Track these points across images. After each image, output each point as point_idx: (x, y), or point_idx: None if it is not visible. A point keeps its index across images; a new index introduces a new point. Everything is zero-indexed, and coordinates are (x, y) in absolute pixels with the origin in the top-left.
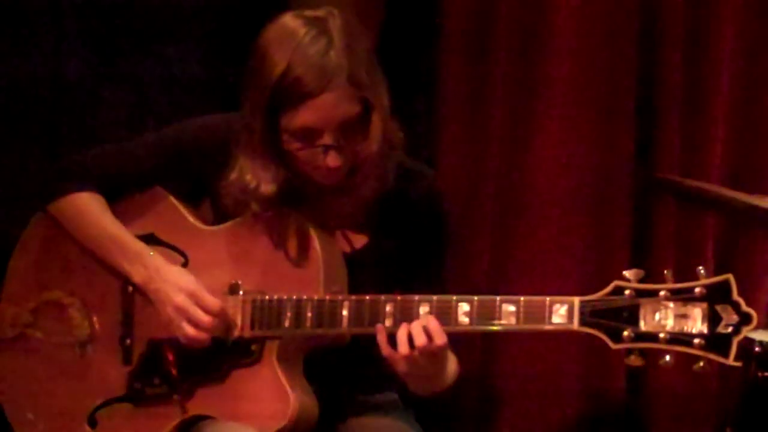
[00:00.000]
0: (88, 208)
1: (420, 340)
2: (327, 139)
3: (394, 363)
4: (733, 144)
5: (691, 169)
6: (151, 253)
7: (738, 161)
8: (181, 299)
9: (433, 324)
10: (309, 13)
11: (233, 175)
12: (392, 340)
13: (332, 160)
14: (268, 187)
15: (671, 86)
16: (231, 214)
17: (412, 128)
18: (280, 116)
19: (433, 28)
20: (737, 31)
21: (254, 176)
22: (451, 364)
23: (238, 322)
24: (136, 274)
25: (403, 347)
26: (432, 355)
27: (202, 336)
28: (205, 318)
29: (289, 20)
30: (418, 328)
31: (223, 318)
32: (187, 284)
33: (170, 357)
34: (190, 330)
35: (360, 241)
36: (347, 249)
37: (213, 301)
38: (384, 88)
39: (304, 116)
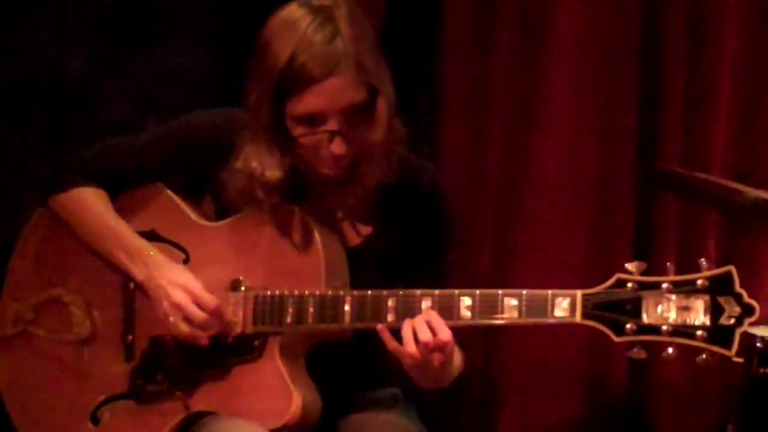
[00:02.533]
0: (90, 203)
1: (424, 334)
2: (332, 125)
3: (400, 358)
4: (735, 139)
5: (693, 165)
6: (152, 251)
7: (740, 156)
8: (178, 296)
9: (436, 319)
10: (315, 2)
11: (238, 164)
12: (395, 334)
13: (337, 146)
14: (273, 173)
15: (673, 82)
16: (234, 207)
17: (414, 125)
18: (285, 103)
19: (434, 25)
20: (739, 24)
21: (260, 163)
22: (457, 357)
23: (240, 318)
24: (137, 271)
25: (410, 346)
26: (437, 350)
27: (198, 333)
28: (200, 315)
29: (294, 9)
30: (421, 323)
31: (219, 316)
32: (186, 282)
33: (172, 353)
34: (185, 327)
35: (364, 232)
36: (351, 240)
37: (210, 299)
38: (389, 77)
39: (310, 101)
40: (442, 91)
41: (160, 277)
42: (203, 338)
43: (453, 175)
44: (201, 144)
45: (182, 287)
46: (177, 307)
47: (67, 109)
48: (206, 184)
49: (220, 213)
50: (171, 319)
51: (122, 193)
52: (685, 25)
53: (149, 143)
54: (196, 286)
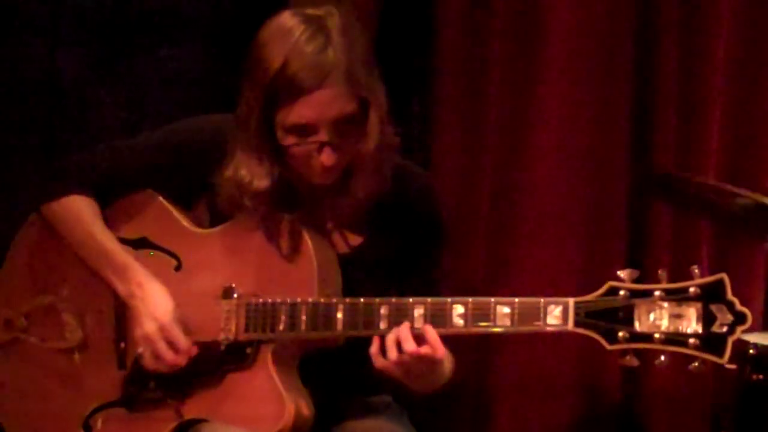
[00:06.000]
0: (80, 214)
1: (408, 345)
2: (322, 136)
3: (388, 373)
4: (728, 144)
5: (687, 169)
6: (136, 268)
7: (733, 161)
8: (151, 329)
9: (431, 334)
10: (309, 11)
11: (228, 172)
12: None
13: (327, 157)
14: (261, 182)
15: (667, 86)
16: (226, 214)
17: (408, 130)
18: (275, 112)
19: (428, 30)
20: (733, 28)
21: (248, 171)
22: (447, 360)
23: (233, 325)
24: (120, 287)
25: (391, 352)
26: (421, 361)
27: (161, 369)
28: (168, 356)
29: (287, 18)
30: (406, 332)
31: (188, 356)
32: (162, 315)
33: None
34: (150, 361)
35: (356, 240)
36: (344, 248)
37: (182, 340)
38: (382, 88)
39: (300, 112)
40: (435, 98)
41: (139, 299)
42: (166, 371)
43: (446, 182)
44: (195, 150)
45: (157, 320)
46: (147, 340)
47: (61, 115)
48: (200, 191)
49: (214, 220)
50: (141, 347)
51: (114, 199)
52: (679, 28)
53: (143, 149)
54: (169, 322)
